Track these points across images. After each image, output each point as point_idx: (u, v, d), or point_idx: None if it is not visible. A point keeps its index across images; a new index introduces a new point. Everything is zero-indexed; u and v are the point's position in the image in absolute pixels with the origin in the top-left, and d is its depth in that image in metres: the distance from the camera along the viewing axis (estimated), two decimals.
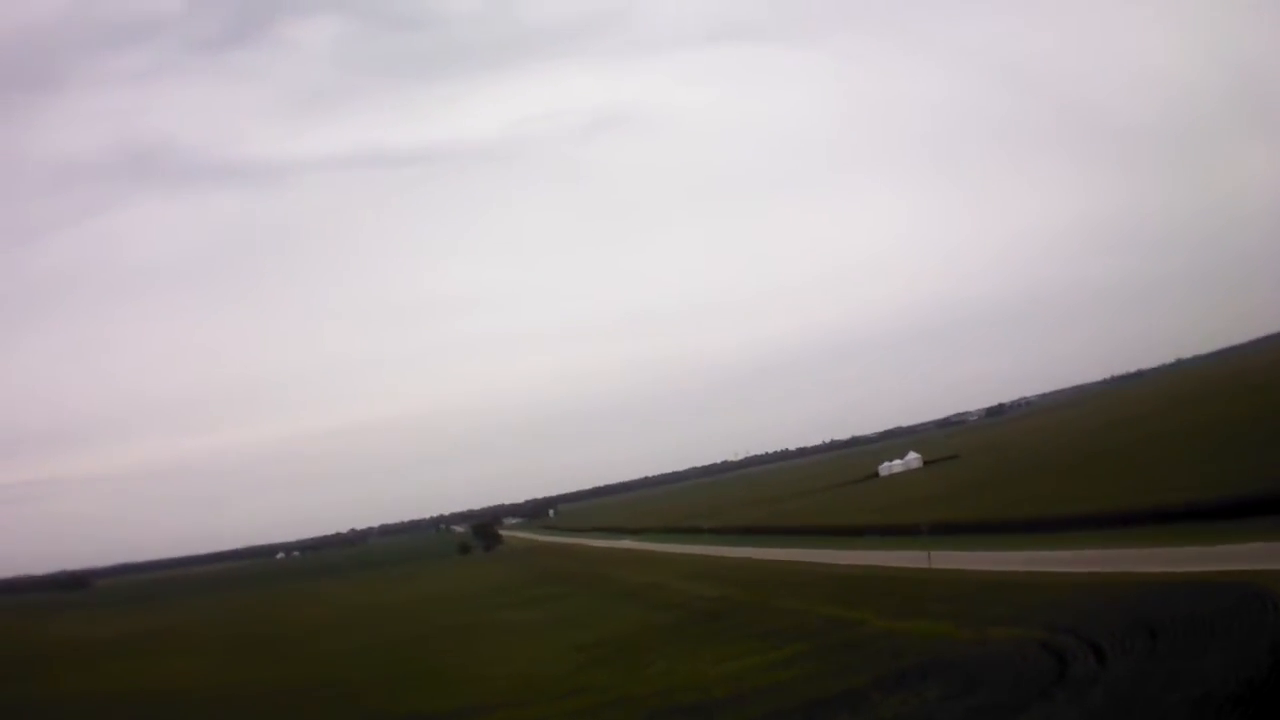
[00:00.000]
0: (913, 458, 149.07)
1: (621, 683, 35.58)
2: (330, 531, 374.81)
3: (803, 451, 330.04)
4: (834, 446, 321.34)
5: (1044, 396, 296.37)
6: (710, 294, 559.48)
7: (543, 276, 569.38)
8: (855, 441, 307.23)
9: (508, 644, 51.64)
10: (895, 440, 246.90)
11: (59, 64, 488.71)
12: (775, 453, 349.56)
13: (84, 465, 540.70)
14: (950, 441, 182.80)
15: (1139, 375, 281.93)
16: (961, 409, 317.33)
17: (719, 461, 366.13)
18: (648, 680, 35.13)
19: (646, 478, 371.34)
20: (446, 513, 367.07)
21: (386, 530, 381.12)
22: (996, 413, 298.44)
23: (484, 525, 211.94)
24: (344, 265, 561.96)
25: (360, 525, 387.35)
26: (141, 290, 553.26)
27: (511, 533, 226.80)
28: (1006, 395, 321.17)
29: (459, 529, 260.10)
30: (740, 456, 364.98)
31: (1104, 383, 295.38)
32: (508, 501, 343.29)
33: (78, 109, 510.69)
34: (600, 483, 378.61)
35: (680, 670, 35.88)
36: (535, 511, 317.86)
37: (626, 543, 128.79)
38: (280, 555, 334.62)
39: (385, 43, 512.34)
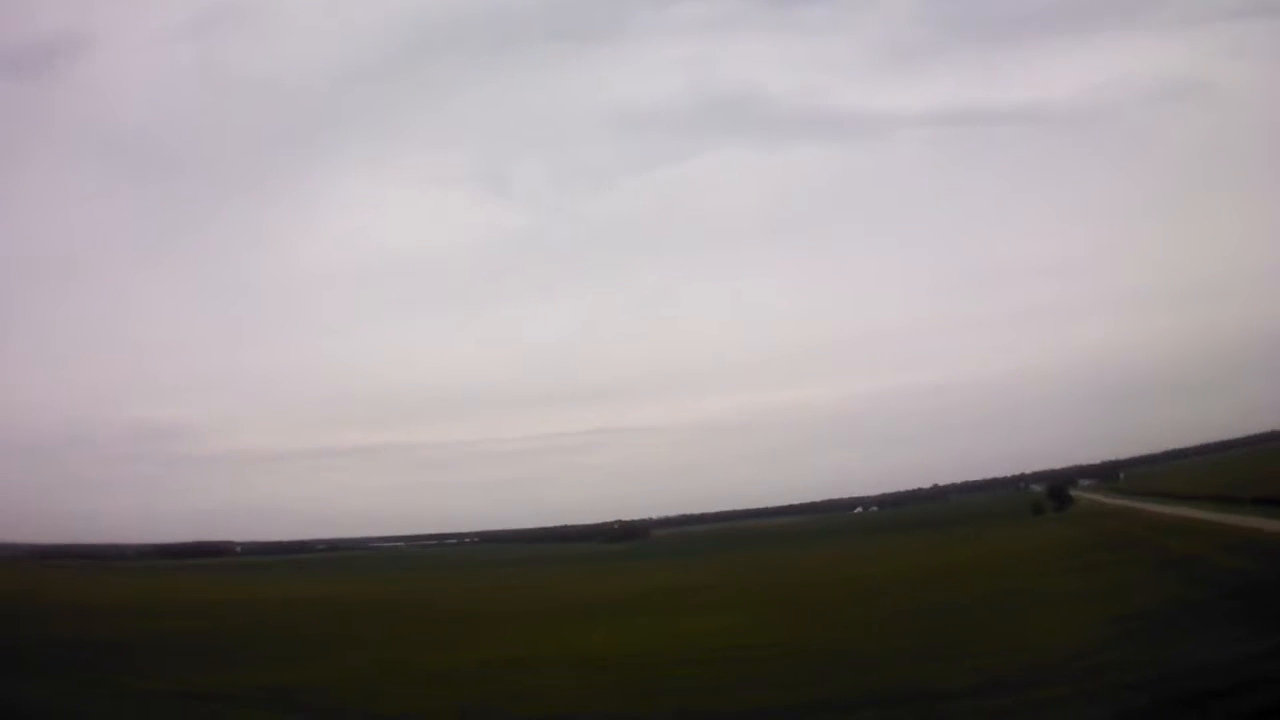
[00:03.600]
0: None
1: (1138, 663, 33.72)
2: (911, 487, 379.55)
3: None
4: None
5: None
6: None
7: (1115, 243, 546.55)
8: None
9: (1039, 615, 49.97)
10: None
11: (625, 13, 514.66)
12: None
13: (645, 416, 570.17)
14: None
15: None
16: None
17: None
18: (1162, 663, 33.14)
19: (1218, 442, 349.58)
20: (1027, 471, 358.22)
21: (968, 487, 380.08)
22: None
23: (1058, 486, 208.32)
24: (924, 224, 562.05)
25: (943, 481, 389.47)
26: (715, 241, 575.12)
27: (1082, 494, 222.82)
28: None
29: (1036, 488, 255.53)
30: None
31: None
32: (1084, 462, 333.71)
33: (648, 58, 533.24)
34: (1170, 446, 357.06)
35: (1196, 654, 33.81)
36: (1106, 473, 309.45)
37: (1184, 510, 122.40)
38: (858, 510, 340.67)
39: (966, 1, 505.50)
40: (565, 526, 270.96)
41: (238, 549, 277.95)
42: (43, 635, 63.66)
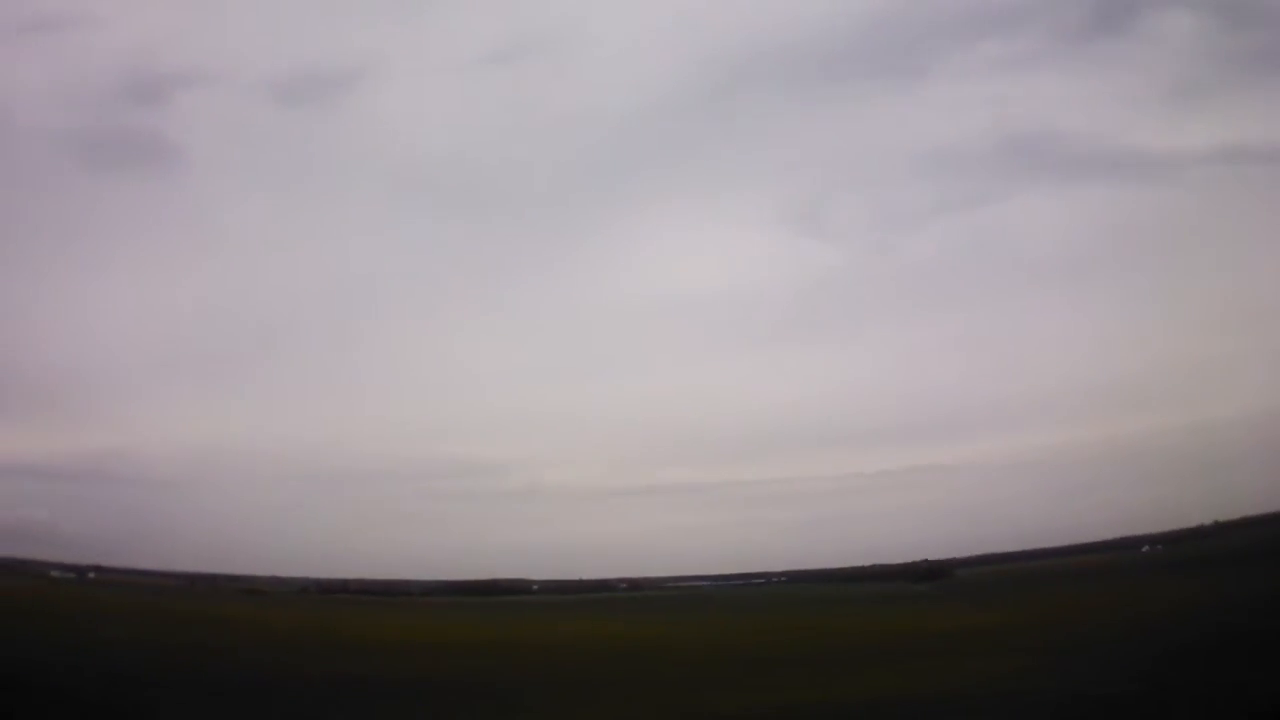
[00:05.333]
0: None
1: None
2: (1194, 524, 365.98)
3: None
4: None
5: None
6: None
7: None
8: None
9: None
10: None
11: (925, 52, 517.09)
12: None
13: (953, 454, 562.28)
14: None
15: None
16: None
17: None
18: None
19: None
20: None
21: (1245, 523, 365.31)
22: None
23: None
24: (1210, 261, 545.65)
25: (1223, 517, 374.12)
26: (1019, 280, 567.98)
27: None
28: None
29: None
30: None
31: None
32: None
33: (950, 97, 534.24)
34: None
35: None
36: None
37: None
38: (1145, 548, 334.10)
39: (1244, 37, 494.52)
40: (872, 566, 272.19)
41: (534, 587, 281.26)
42: (318, 672, 66.42)
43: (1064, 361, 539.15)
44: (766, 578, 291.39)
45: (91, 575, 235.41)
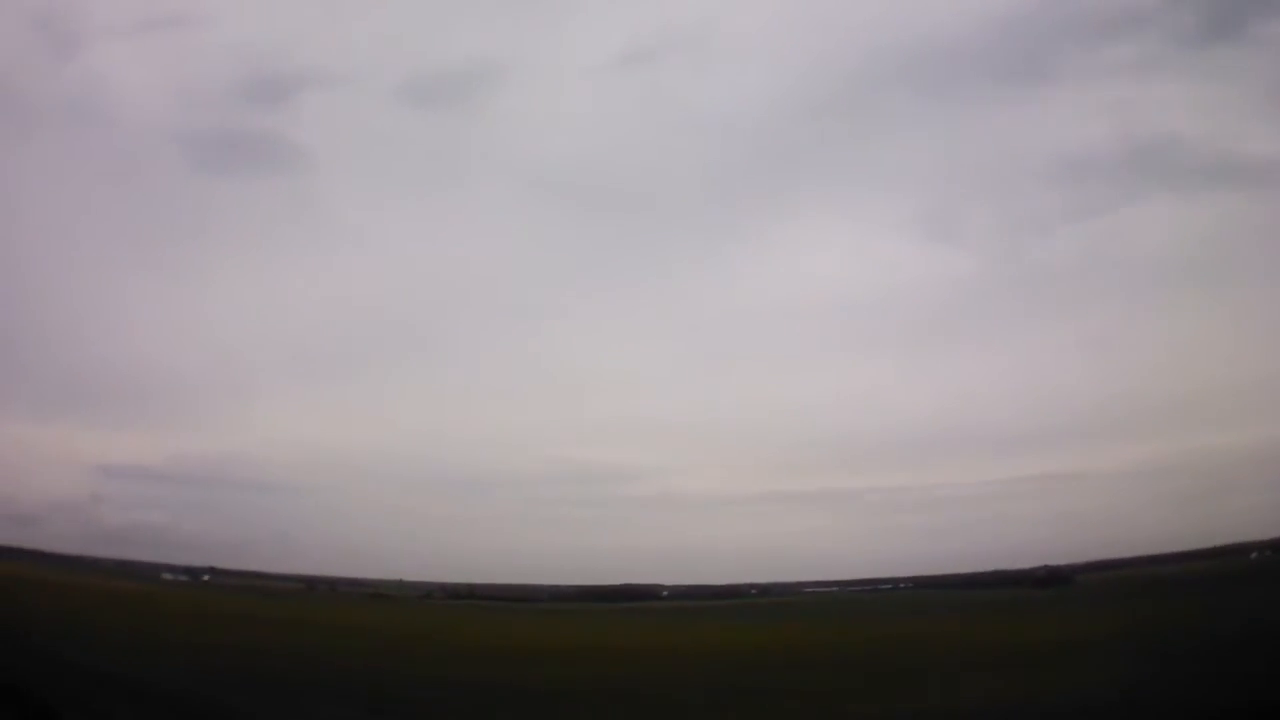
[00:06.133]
0: None
1: None
2: None
3: None
4: None
5: None
6: None
7: None
8: None
9: None
10: None
11: (1050, 55, 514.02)
12: None
13: (1082, 460, 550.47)
14: None
15: None
16: None
17: None
18: None
19: None
20: None
21: None
22: None
23: None
24: None
25: None
26: (1148, 287, 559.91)
27: None
28: None
29: None
30: None
31: None
32: None
33: (1075, 102, 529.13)
34: None
35: None
36: None
37: None
38: (1254, 555, 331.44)
39: None
40: (994, 571, 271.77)
41: (664, 593, 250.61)
42: (445, 678, 64.07)
43: (1188, 367, 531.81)
44: (894, 583, 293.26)
45: (206, 577, 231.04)
